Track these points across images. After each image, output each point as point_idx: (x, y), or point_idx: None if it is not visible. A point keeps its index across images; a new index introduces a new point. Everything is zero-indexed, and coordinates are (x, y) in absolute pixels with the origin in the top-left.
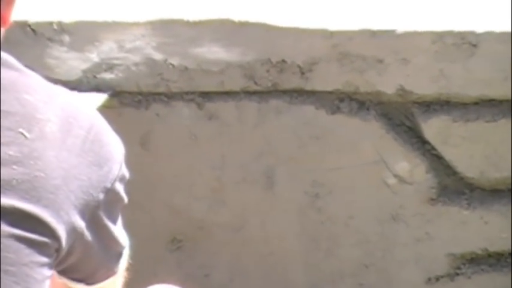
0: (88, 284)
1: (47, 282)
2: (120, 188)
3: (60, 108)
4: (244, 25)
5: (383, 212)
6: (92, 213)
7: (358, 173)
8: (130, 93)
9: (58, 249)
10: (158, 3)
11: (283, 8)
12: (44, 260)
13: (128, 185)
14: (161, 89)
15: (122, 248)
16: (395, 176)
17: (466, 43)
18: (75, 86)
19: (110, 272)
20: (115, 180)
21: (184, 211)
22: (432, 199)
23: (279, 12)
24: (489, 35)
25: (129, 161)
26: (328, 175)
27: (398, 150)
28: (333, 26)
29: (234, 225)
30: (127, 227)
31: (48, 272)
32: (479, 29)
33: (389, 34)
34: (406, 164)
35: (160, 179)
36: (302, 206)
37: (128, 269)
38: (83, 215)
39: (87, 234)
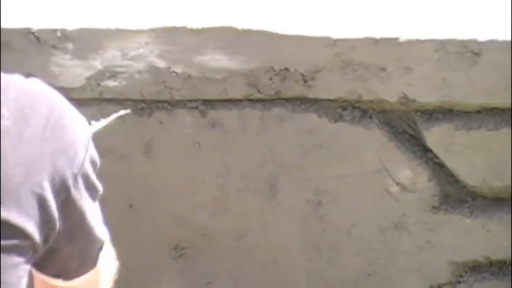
0: (65, 279)
1: (24, 281)
2: (90, 171)
3: (13, 100)
4: (247, 33)
5: (385, 220)
6: (63, 200)
7: (361, 181)
8: (133, 100)
9: (33, 245)
10: (161, 11)
11: (286, 16)
12: (17, 260)
13: (131, 192)
14: (164, 97)
15: (98, 240)
16: (398, 184)
17: (469, 51)
18: (78, 93)
19: (85, 267)
20: (82, 164)
21: (187, 219)
22: (434, 207)
23: (282, 20)
24: (492, 43)
25: (132, 169)
26: (330, 183)
27: (401, 159)
28: (336, 34)
29: (236, 233)
30: (130, 234)
31: (23, 271)
32: (482, 37)
33: (392, 42)
34: (409, 172)
35: (163, 186)
36: (305, 214)
37: (117, 271)
38: (54, 203)
39: (59, 224)
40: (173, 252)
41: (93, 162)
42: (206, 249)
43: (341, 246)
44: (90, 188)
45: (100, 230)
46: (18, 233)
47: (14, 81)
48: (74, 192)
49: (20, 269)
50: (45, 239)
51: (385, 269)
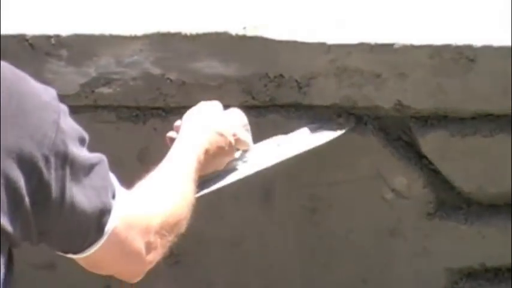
0: (75, 253)
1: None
2: (67, 147)
3: None
4: (242, 39)
5: (381, 226)
6: (36, 184)
7: (356, 188)
8: (128, 107)
9: (6, 237)
10: (156, 17)
11: (280, 22)
12: None
13: None
14: (159, 104)
15: (94, 212)
16: (393, 190)
17: (464, 58)
18: (73, 100)
19: (90, 238)
20: (53, 144)
21: None
22: (430, 214)
23: (277, 27)
24: (487, 49)
25: (127, 176)
26: (326, 190)
27: (396, 165)
28: (331, 40)
29: (232, 240)
30: None
31: None
32: (477, 43)
33: (387, 48)
34: (404, 179)
35: None
36: (300, 221)
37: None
38: (25, 188)
39: (38, 207)
40: (168, 259)
41: (72, 136)
42: (201, 256)
43: (337, 253)
44: (72, 164)
45: (97, 199)
46: None
47: None
48: (47, 173)
49: None
50: (21, 227)
51: (380, 276)
